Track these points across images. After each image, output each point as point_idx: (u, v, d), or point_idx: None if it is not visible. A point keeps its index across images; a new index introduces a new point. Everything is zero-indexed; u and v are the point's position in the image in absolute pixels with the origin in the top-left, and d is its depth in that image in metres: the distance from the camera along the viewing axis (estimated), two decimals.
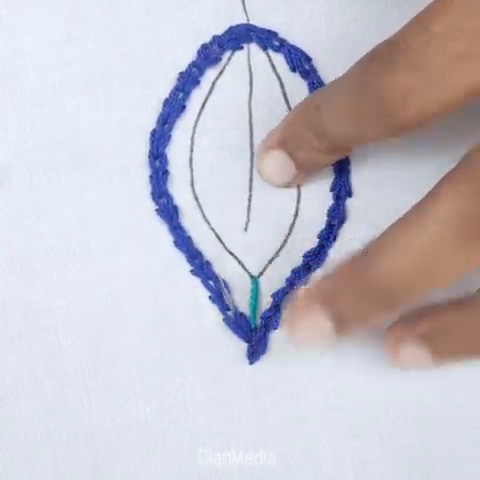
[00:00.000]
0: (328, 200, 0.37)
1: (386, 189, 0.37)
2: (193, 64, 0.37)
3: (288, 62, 0.37)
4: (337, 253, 0.37)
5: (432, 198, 0.30)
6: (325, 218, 0.37)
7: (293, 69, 0.37)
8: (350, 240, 0.37)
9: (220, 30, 0.37)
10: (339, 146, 0.34)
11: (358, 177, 0.37)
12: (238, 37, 0.37)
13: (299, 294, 0.33)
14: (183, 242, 0.36)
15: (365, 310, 0.31)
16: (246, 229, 0.37)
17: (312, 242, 0.37)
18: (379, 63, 0.31)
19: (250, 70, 0.37)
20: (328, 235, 0.37)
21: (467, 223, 0.29)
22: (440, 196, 0.29)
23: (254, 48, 0.37)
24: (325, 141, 0.34)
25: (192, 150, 0.37)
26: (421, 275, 0.30)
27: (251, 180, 0.37)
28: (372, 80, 0.31)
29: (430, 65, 0.30)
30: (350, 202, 0.37)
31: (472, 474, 0.37)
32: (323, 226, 0.37)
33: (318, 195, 0.37)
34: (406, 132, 0.32)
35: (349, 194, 0.37)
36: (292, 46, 0.37)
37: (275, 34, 0.37)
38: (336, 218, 0.37)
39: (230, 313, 0.36)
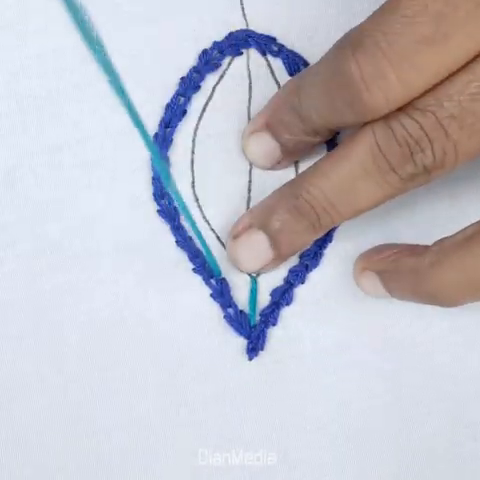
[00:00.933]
0: None
1: None
2: (194, 69, 0.37)
3: (286, 67, 0.38)
4: (332, 253, 0.38)
5: (352, 140, 0.33)
6: None
7: (291, 74, 0.37)
8: (345, 241, 0.38)
9: (220, 36, 0.37)
10: (320, 130, 0.35)
11: None
12: (237, 43, 0.37)
13: (238, 219, 0.36)
14: (185, 242, 0.37)
15: (294, 228, 0.35)
16: None
17: None
18: (349, 47, 0.31)
19: (249, 75, 0.38)
20: (324, 236, 0.38)
21: (373, 163, 0.32)
22: (358, 139, 0.33)
23: (253, 53, 0.38)
24: (307, 123, 0.34)
25: (193, 153, 0.37)
26: (338, 199, 0.33)
27: (250, 182, 0.38)
28: (341, 65, 0.31)
29: (397, 48, 0.31)
30: None
31: (471, 472, 0.37)
32: None
33: None
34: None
35: None
36: (290, 51, 0.37)
37: (274, 39, 0.37)
38: None
39: (231, 310, 0.37)
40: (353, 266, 0.37)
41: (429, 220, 0.38)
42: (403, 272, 0.34)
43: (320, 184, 0.33)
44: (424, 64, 0.31)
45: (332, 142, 0.37)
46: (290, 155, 0.37)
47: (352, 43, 0.31)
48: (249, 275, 0.37)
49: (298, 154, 0.37)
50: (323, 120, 0.34)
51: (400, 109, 0.32)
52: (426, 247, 0.34)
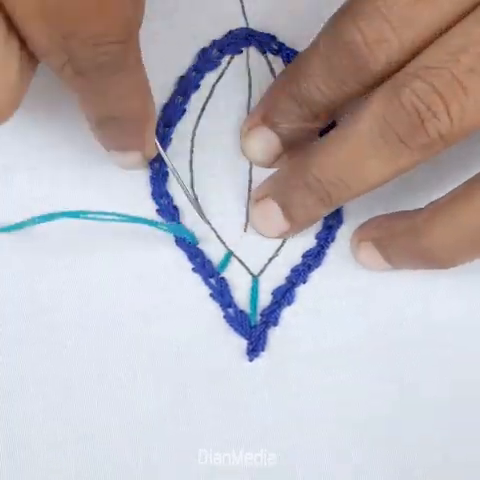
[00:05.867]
0: None
1: (383, 190, 0.38)
2: (193, 68, 0.37)
3: (286, 65, 0.37)
4: (335, 253, 0.38)
5: (358, 113, 0.32)
6: (323, 219, 0.38)
7: None
8: (347, 240, 0.38)
9: (219, 34, 0.37)
10: (319, 111, 0.34)
11: None
12: (237, 41, 0.37)
13: (260, 184, 0.36)
14: (184, 241, 0.37)
15: (305, 203, 0.34)
16: (245, 230, 0.37)
17: (310, 242, 0.38)
18: (349, 16, 0.31)
19: (249, 74, 0.38)
20: (326, 236, 0.37)
21: (380, 137, 0.31)
22: (362, 112, 0.32)
23: (253, 52, 0.37)
24: (306, 108, 0.34)
25: (192, 152, 0.37)
26: (347, 176, 0.32)
27: (250, 181, 0.37)
28: (343, 33, 0.31)
29: (396, 10, 0.30)
30: (346, 204, 0.37)
31: (471, 473, 0.37)
32: (321, 227, 0.38)
33: None
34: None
35: None
36: (290, 49, 0.37)
37: (274, 38, 0.37)
38: (333, 219, 0.38)
39: (230, 310, 0.37)
40: (350, 242, 0.37)
41: None
42: (399, 234, 0.34)
43: (329, 163, 0.33)
44: (425, 22, 0.30)
45: None
46: (290, 147, 0.36)
47: (352, 11, 0.31)
48: (250, 274, 0.37)
49: (298, 145, 0.36)
50: (325, 97, 0.33)
51: (408, 71, 0.31)
52: (419, 209, 0.34)
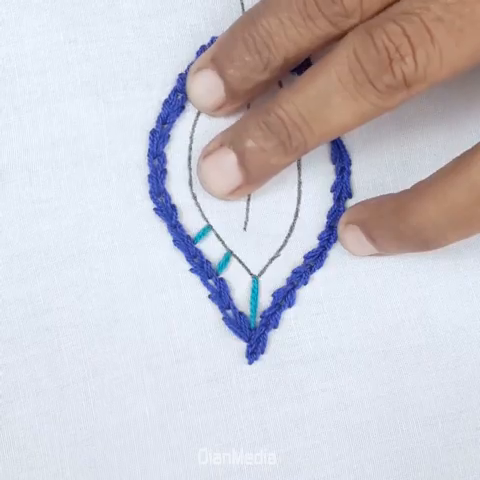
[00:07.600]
0: (328, 201, 0.37)
1: (386, 191, 0.37)
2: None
3: None
4: (337, 254, 0.37)
5: (331, 51, 0.32)
6: (325, 220, 0.37)
7: (292, 70, 0.37)
8: None
9: (218, 32, 0.36)
10: (270, 59, 0.33)
11: (359, 178, 0.37)
12: None
13: (211, 140, 0.35)
14: (182, 241, 0.37)
15: (264, 146, 0.33)
16: (245, 229, 0.37)
17: (313, 243, 0.37)
18: None
19: None
20: (328, 236, 0.37)
21: (349, 72, 0.31)
22: (336, 49, 0.31)
23: None
24: (257, 56, 0.33)
25: (191, 149, 0.37)
26: (311, 114, 0.32)
27: None
28: None
29: None
30: (350, 203, 0.37)
31: (471, 474, 0.37)
32: (323, 227, 0.37)
33: (318, 196, 0.37)
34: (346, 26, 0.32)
35: (349, 195, 0.37)
36: None
37: None
38: (336, 220, 0.37)
39: (229, 312, 0.37)
40: (337, 226, 0.36)
41: None
42: (386, 214, 0.34)
43: (294, 98, 0.32)
44: None
45: None
46: (234, 97, 0.35)
47: None
48: (250, 274, 0.37)
49: (242, 97, 0.35)
50: (285, 38, 0.32)
51: (384, 15, 0.31)
52: (406, 189, 0.34)
